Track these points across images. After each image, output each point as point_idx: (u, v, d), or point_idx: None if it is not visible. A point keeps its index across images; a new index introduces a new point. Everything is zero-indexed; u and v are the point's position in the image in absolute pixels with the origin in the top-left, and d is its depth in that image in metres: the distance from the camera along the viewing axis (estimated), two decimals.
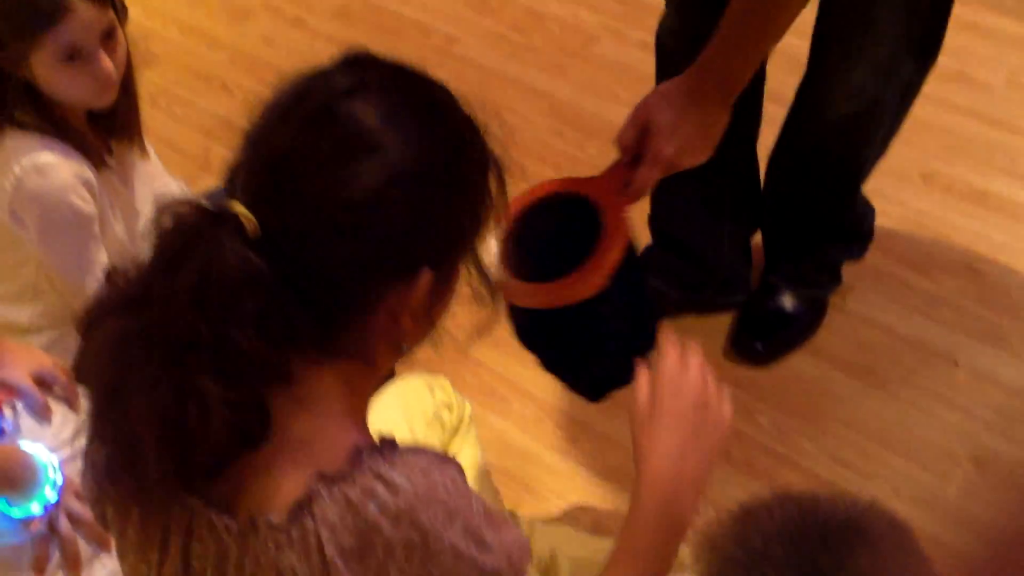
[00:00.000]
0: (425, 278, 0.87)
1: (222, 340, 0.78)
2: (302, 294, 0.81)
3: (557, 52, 2.86)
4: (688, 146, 1.49)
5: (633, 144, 1.49)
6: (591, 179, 1.45)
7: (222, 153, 2.56)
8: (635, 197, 1.44)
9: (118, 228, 1.80)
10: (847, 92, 1.85)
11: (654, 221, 2.18)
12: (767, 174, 2.09)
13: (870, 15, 1.76)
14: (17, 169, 1.62)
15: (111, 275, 0.88)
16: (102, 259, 1.73)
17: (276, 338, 0.81)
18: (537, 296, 1.34)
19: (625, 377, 1.27)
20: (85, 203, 1.67)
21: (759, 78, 2.03)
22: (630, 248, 1.36)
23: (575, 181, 1.45)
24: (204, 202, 0.83)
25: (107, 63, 1.61)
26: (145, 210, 1.87)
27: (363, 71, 0.90)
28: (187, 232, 0.80)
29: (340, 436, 0.87)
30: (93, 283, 1.71)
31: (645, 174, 1.46)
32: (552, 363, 1.47)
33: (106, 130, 1.76)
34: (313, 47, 2.92)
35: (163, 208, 0.85)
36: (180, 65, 2.81)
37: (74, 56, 1.58)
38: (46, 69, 1.58)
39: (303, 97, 0.86)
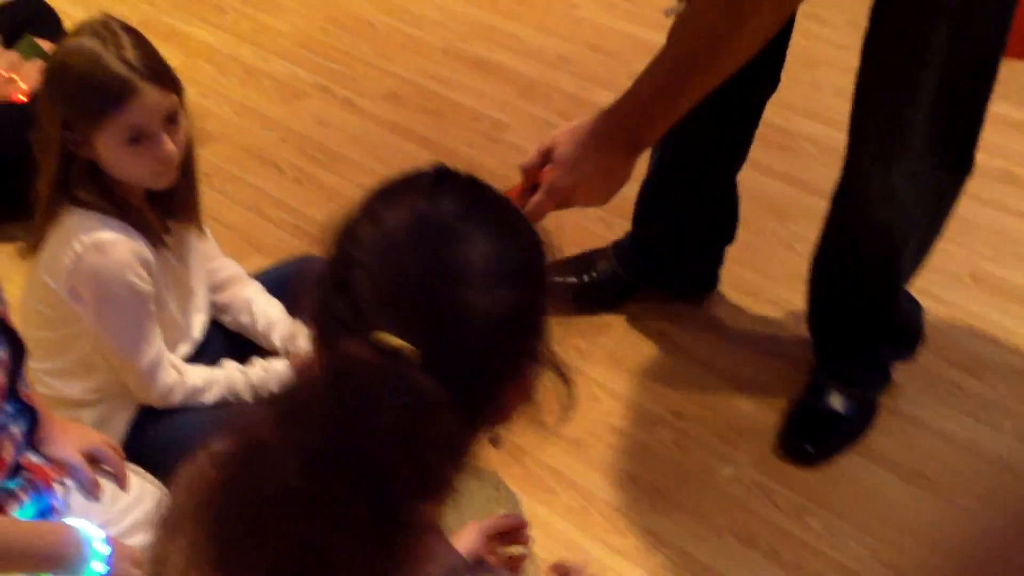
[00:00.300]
0: (532, 372, 0.90)
1: (420, 466, 0.78)
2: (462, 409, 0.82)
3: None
4: (585, 186, 1.52)
5: (534, 172, 1.53)
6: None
7: (270, 230, 2.60)
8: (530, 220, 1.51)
9: (173, 306, 1.81)
10: (880, 195, 1.84)
11: (635, 223, 2.30)
12: (811, 271, 2.10)
13: (901, 118, 1.75)
14: (77, 246, 1.65)
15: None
16: (157, 337, 1.74)
17: (454, 457, 0.82)
18: None
19: None
20: (142, 281, 1.69)
21: (755, 117, 2.12)
22: None
23: None
24: (378, 339, 0.82)
25: (169, 146, 1.64)
26: (200, 290, 1.89)
27: (461, 192, 0.92)
28: (371, 372, 0.80)
29: (443, 553, 0.87)
30: (146, 361, 1.72)
31: (538, 202, 1.50)
32: None
33: (165, 210, 1.78)
34: (364, 128, 2.95)
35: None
36: (233, 143, 2.84)
37: (138, 138, 1.61)
38: (110, 150, 1.62)
39: (420, 225, 0.87)
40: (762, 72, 1.88)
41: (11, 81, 2.52)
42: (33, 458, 1.51)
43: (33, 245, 1.70)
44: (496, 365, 0.86)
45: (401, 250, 0.85)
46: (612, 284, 2.37)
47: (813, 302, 2.12)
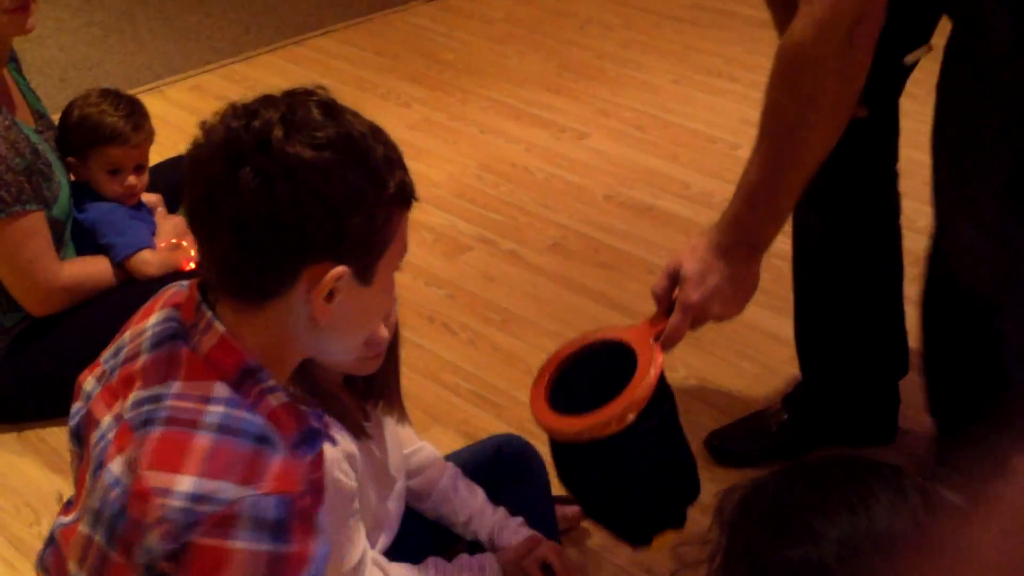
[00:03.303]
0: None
1: None
2: None
3: (783, 289, 2.70)
4: (715, 297, 1.55)
5: (665, 294, 1.58)
6: (633, 327, 1.58)
7: (449, 398, 2.46)
8: (668, 345, 1.55)
9: (372, 497, 1.68)
10: (958, 248, 1.79)
11: (802, 352, 2.25)
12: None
13: (964, 165, 1.70)
14: None
15: None
16: (361, 537, 1.60)
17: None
18: (563, 429, 1.49)
19: (671, 521, 1.53)
20: (347, 478, 1.56)
21: (895, 233, 2.11)
22: (659, 393, 1.48)
23: (620, 329, 1.59)
24: None
25: (385, 331, 1.55)
26: (400, 478, 1.76)
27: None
28: None
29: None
30: (350, 564, 1.58)
31: (674, 322, 1.55)
32: (590, 504, 1.61)
33: (363, 394, 1.67)
34: (533, 282, 2.82)
35: None
36: (400, 302, 2.70)
37: None
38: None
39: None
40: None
41: (179, 247, 2.44)
42: None
43: None
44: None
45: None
46: (788, 443, 2.25)
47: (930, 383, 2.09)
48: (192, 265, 2.43)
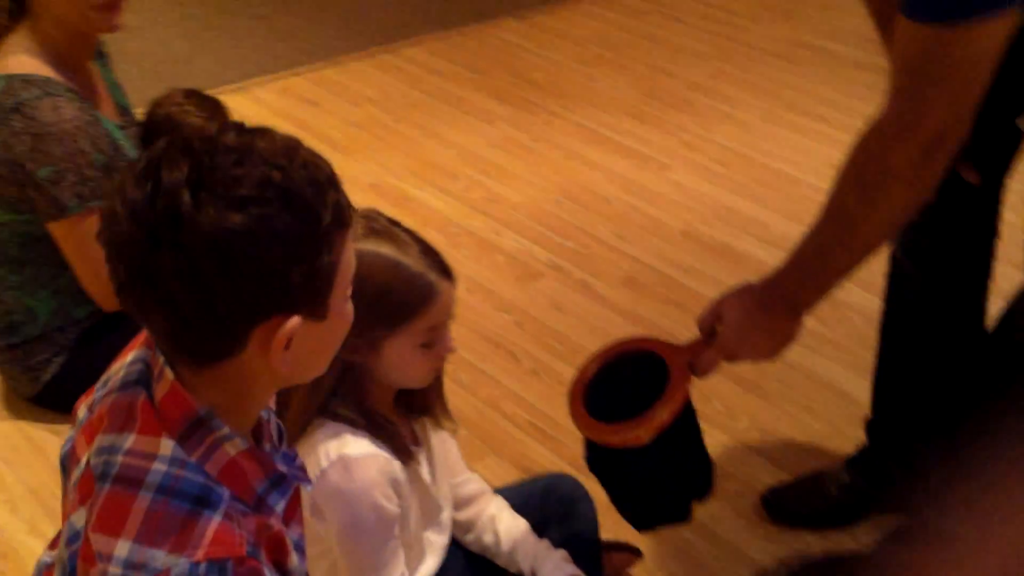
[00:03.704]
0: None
1: None
2: None
3: (857, 345, 2.64)
4: (750, 344, 1.62)
5: (707, 327, 1.64)
6: (673, 345, 1.66)
7: (506, 427, 2.44)
8: (700, 374, 1.63)
9: (415, 525, 1.66)
10: None
11: (876, 409, 2.20)
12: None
13: None
14: (324, 461, 1.52)
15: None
16: (399, 564, 1.58)
17: None
18: (593, 433, 1.61)
19: (677, 516, 1.71)
20: (390, 502, 1.54)
21: (982, 294, 2.07)
22: (684, 415, 1.59)
23: (661, 344, 1.67)
24: None
25: (452, 341, 1.57)
26: (446, 507, 1.74)
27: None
28: None
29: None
30: None
31: (709, 357, 1.63)
32: (610, 494, 1.69)
33: (408, 407, 1.66)
34: (602, 316, 2.79)
35: None
36: (467, 325, 2.70)
37: (430, 343, 1.53)
38: (399, 353, 1.52)
39: None
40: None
41: None
42: None
43: None
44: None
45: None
46: (846, 507, 2.22)
47: None
48: None
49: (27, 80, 2.16)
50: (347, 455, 1.51)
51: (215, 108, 2.45)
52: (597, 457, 1.67)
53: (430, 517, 1.71)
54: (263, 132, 1.07)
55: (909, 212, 1.53)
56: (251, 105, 3.83)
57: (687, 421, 1.63)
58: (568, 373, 2.59)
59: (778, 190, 3.37)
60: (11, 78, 2.17)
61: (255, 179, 1.00)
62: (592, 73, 4.16)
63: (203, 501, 1.06)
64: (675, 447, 1.61)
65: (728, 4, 4.83)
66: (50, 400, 2.32)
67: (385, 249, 1.49)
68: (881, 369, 2.18)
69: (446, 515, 1.75)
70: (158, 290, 1.01)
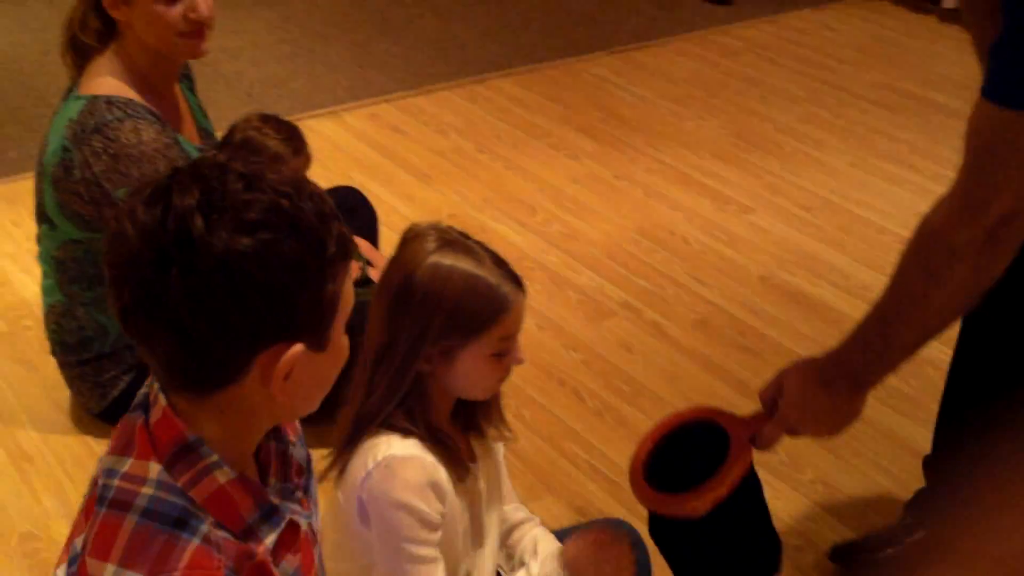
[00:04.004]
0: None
1: None
2: None
3: (933, 401, 2.57)
4: (811, 421, 1.61)
5: (770, 400, 1.63)
6: (737, 417, 1.64)
7: (566, 467, 2.42)
8: (761, 447, 1.61)
9: (460, 548, 1.65)
10: None
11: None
12: None
13: None
14: (370, 463, 1.53)
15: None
16: (435, 571, 1.56)
17: None
18: (651, 503, 1.59)
19: None
20: (428, 505, 1.53)
21: None
22: (745, 489, 1.57)
23: (725, 415, 1.65)
24: None
25: (522, 353, 1.59)
26: (494, 534, 1.72)
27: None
28: None
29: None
30: None
31: (770, 431, 1.60)
32: (671, 565, 1.66)
33: (465, 422, 1.66)
34: (671, 359, 2.76)
35: None
36: (534, 361, 2.69)
37: (502, 352, 1.55)
38: (471, 364, 1.54)
39: None
40: None
41: None
42: None
43: (339, 470, 1.59)
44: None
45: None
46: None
47: None
48: None
49: (110, 101, 2.21)
50: (392, 456, 1.52)
51: (292, 132, 2.49)
52: (657, 527, 1.67)
53: (477, 543, 1.70)
54: (271, 165, 1.10)
55: (975, 294, 1.51)
56: (338, 130, 3.87)
57: (748, 495, 1.62)
58: (632, 415, 2.58)
59: (862, 238, 3.31)
60: (95, 99, 2.22)
61: (264, 205, 1.02)
62: (681, 112, 4.14)
63: (182, 524, 1.07)
64: (735, 521, 1.59)
65: (825, 47, 4.77)
66: (117, 417, 2.29)
67: (462, 262, 1.52)
68: (945, 406, 2.15)
69: (492, 542, 1.74)
70: (165, 313, 1.02)
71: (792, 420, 1.60)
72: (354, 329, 1.26)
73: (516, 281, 1.56)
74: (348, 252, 1.11)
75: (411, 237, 1.58)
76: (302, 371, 1.10)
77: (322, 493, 1.60)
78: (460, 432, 1.65)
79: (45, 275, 2.41)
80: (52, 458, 2.34)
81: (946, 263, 1.47)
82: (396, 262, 1.58)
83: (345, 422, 1.58)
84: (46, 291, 2.41)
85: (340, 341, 1.15)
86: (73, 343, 2.37)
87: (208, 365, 1.06)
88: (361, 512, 1.55)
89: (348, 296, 1.13)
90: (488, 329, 1.52)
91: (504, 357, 1.56)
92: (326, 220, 1.07)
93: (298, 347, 1.07)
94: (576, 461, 2.42)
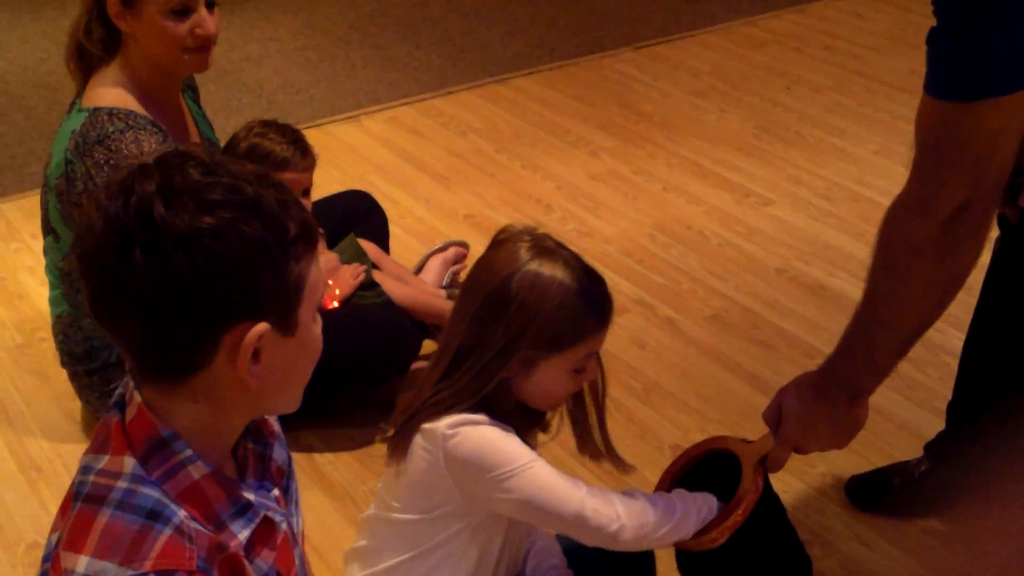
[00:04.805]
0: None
1: None
2: None
3: (950, 391, 2.52)
4: (814, 435, 1.61)
5: (773, 422, 1.63)
6: (747, 442, 1.66)
7: (576, 469, 2.38)
8: (771, 469, 1.62)
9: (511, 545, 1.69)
10: None
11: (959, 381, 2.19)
12: None
13: None
14: (446, 429, 1.51)
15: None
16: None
17: None
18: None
19: None
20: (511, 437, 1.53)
21: None
22: (764, 511, 1.59)
23: (735, 441, 1.67)
24: None
25: (597, 370, 1.62)
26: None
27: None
28: None
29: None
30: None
31: (776, 452, 1.62)
32: None
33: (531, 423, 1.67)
34: (684, 354, 2.73)
35: None
36: None
37: (582, 368, 1.58)
38: (552, 375, 1.56)
39: None
40: None
41: (326, 286, 2.47)
42: None
43: (396, 453, 1.59)
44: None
45: None
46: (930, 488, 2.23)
47: None
48: (336, 304, 2.46)
49: (112, 113, 2.23)
50: (469, 417, 1.52)
51: (295, 135, 2.49)
52: (684, 561, 1.71)
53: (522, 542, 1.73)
54: (235, 160, 1.15)
55: (948, 288, 1.49)
56: (357, 134, 3.88)
57: (767, 517, 1.63)
58: (642, 413, 2.55)
59: None
60: (97, 111, 2.24)
61: (225, 187, 1.07)
62: (704, 105, 4.10)
63: (155, 515, 1.09)
64: (757, 545, 1.61)
65: (854, 36, 4.70)
66: None
67: (560, 274, 1.53)
68: (968, 352, 2.16)
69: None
70: (131, 295, 1.06)
71: (795, 438, 1.61)
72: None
73: (608, 301, 1.58)
74: (312, 237, 1.14)
75: (504, 239, 1.58)
76: (271, 355, 1.12)
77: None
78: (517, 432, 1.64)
79: (52, 286, 2.44)
80: (61, 468, 2.36)
81: (907, 260, 1.46)
82: (488, 263, 1.58)
83: (409, 406, 1.58)
84: (53, 302, 2.44)
85: (310, 329, 1.17)
86: (80, 353, 2.39)
87: (176, 346, 1.09)
88: (450, 465, 1.52)
89: (315, 282, 1.15)
90: (576, 345, 1.54)
91: (581, 373, 1.58)
92: (287, 206, 1.11)
93: (263, 325, 1.09)
94: (585, 461, 2.39)
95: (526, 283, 1.51)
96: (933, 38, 1.40)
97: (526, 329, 1.51)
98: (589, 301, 1.53)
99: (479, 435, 1.51)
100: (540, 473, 1.54)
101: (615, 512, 1.55)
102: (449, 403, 1.54)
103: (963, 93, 1.37)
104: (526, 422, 1.65)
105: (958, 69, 1.37)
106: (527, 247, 1.54)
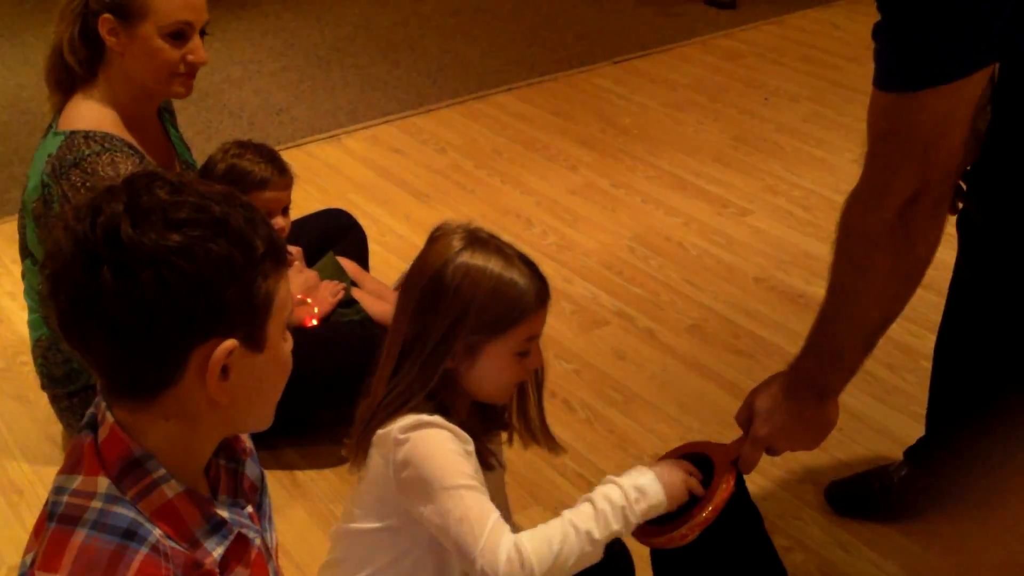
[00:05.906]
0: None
1: None
2: None
3: (925, 395, 2.54)
4: (784, 436, 1.61)
5: (745, 423, 1.65)
6: (722, 445, 1.67)
7: (552, 477, 2.40)
8: (744, 470, 1.63)
9: None
10: None
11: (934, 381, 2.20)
12: None
13: None
14: (398, 434, 1.53)
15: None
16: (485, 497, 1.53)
17: None
18: (643, 538, 1.62)
19: None
20: (464, 457, 1.53)
21: None
22: (735, 513, 1.61)
23: (711, 445, 1.69)
24: None
25: (542, 355, 1.66)
26: None
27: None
28: None
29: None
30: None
31: (747, 452, 1.62)
32: None
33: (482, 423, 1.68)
34: (663, 365, 2.74)
35: None
36: None
37: (525, 352, 1.60)
38: (495, 361, 1.58)
39: None
40: None
41: (304, 304, 2.48)
42: None
43: (357, 461, 1.63)
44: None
45: None
46: (909, 493, 2.23)
47: None
48: (315, 322, 2.46)
49: (88, 136, 2.23)
50: (422, 419, 1.53)
51: (272, 155, 2.50)
52: (659, 562, 1.74)
53: None
54: (202, 180, 1.15)
55: (907, 280, 1.51)
56: (337, 153, 3.89)
57: (741, 519, 1.66)
58: (621, 423, 2.56)
59: None
60: (74, 134, 2.24)
61: (192, 205, 1.08)
62: (682, 118, 4.12)
63: (130, 535, 1.10)
64: (729, 545, 1.65)
65: (831, 46, 4.74)
66: None
67: (492, 260, 1.57)
68: (939, 357, 2.17)
69: None
70: (99, 314, 1.06)
71: (766, 438, 1.62)
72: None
73: (543, 282, 1.61)
74: (279, 255, 1.15)
75: (439, 235, 1.62)
76: (240, 372, 1.13)
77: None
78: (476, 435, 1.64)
79: (31, 310, 2.44)
80: (42, 490, 2.36)
81: (864, 253, 1.48)
82: (424, 258, 1.61)
83: (366, 412, 1.60)
84: (32, 326, 2.44)
85: (280, 346, 1.18)
86: (60, 376, 2.39)
87: (146, 364, 1.09)
88: (396, 471, 1.53)
89: (284, 299, 1.16)
90: (516, 327, 1.57)
91: (525, 357, 1.61)
92: (255, 224, 1.12)
93: (231, 342, 1.10)
94: (564, 471, 2.41)
95: (460, 271, 1.55)
96: (877, 33, 1.42)
97: (465, 313, 1.54)
98: (523, 283, 1.56)
99: (427, 443, 1.52)
100: (466, 500, 1.49)
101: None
102: (402, 399, 1.56)
103: (906, 84, 1.39)
104: (485, 424, 1.67)
105: (900, 61, 1.39)
106: (459, 238, 1.59)
